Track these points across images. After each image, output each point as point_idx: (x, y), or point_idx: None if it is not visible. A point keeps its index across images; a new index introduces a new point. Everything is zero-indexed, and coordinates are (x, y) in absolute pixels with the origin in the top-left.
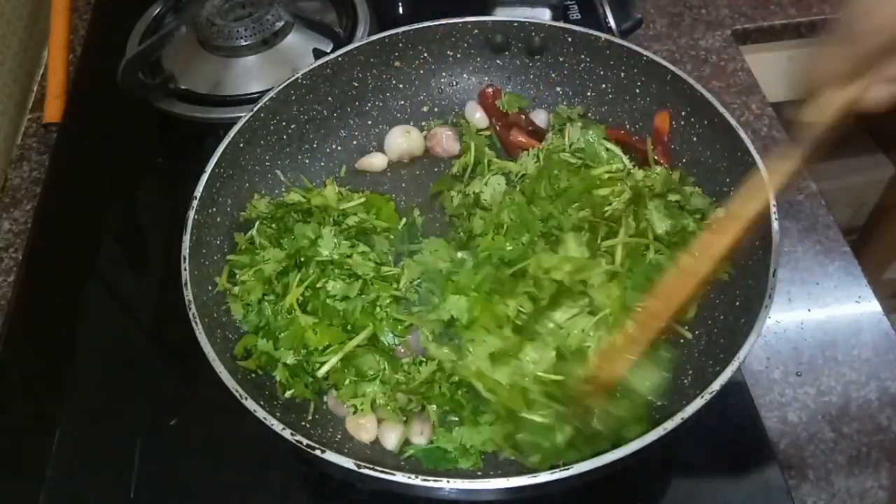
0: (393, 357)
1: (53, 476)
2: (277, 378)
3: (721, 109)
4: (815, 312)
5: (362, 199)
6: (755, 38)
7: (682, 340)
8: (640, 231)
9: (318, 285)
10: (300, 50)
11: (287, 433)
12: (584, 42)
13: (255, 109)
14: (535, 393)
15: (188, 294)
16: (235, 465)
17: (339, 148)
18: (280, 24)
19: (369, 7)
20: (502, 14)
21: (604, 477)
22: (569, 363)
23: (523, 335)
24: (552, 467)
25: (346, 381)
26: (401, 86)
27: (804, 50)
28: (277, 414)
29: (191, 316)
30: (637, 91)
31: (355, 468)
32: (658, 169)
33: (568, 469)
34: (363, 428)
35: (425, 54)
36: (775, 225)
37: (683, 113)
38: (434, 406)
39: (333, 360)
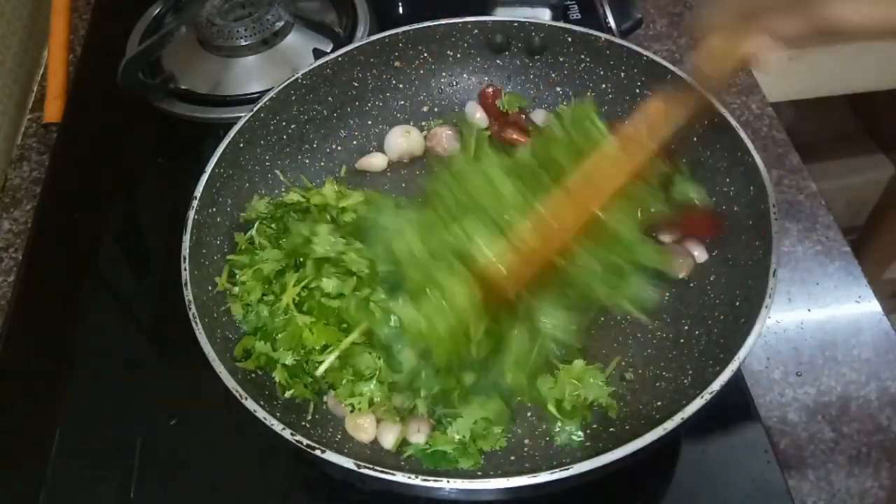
0: (390, 354)
1: (53, 476)
2: (277, 379)
3: (721, 109)
4: (815, 312)
5: (361, 198)
6: None
7: (681, 340)
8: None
9: (313, 285)
10: (300, 50)
11: (287, 433)
12: (584, 42)
13: (255, 109)
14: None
15: (188, 294)
16: (235, 465)
17: (339, 148)
18: (280, 24)
19: (369, 7)
20: (502, 14)
21: (604, 477)
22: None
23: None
24: (552, 467)
25: (344, 381)
26: (401, 86)
27: (804, 50)
28: (277, 414)
29: (191, 316)
30: (637, 91)
31: (355, 468)
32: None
33: (568, 469)
34: (362, 428)
35: (425, 54)
36: (775, 225)
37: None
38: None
39: (331, 359)
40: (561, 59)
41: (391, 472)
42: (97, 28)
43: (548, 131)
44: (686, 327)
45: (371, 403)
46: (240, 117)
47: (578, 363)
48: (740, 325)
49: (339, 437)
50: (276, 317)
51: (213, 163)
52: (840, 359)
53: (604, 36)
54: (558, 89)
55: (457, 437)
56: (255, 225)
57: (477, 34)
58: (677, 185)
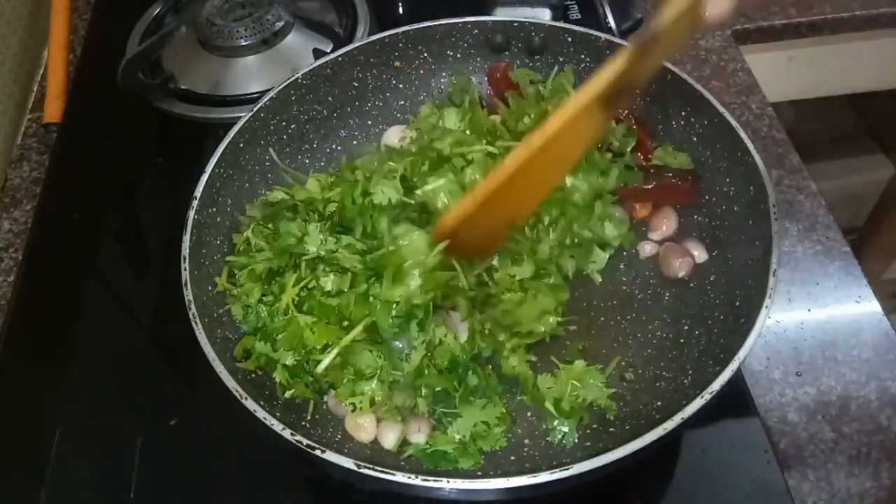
0: (391, 351)
1: (53, 476)
2: (277, 379)
3: (721, 109)
4: (815, 312)
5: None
6: (755, 38)
7: (681, 340)
8: None
9: (311, 285)
10: (300, 50)
11: (287, 433)
12: (584, 42)
13: (255, 109)
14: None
15: (188, 294)
16: (235, 465)
17: (339, 148)
18: (280, 24)
19: (369, 7)
20: (502, 14)
21: (604, 477)
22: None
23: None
24: (552, 467)
25: (345, 380)
26: (401, 86)
27: (804, 50)
28: (277, 414)
29: (191, 316)
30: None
31: (355, 468)
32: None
33: (568, 469)
34: (362, 427)
35: (425, 54)
36: (775, 225)
37: (683, 113)
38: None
39: (332, 355)
40: (561, 59)
41: (391, 472)
42: (97, 28)
43: (526, 94)
44: (686, 327)
45: (372, 402)
46: (240, 117)
47: (579, 363)
48: (740, 325)
49: (339, 436)
50: (275, 317)
51: (213, 163)
52: (840, 359)
53: (604, 36)
54: None
55: (457, 436)
56: (251, 226)
57: (477, 34)
58: (658, 154)
